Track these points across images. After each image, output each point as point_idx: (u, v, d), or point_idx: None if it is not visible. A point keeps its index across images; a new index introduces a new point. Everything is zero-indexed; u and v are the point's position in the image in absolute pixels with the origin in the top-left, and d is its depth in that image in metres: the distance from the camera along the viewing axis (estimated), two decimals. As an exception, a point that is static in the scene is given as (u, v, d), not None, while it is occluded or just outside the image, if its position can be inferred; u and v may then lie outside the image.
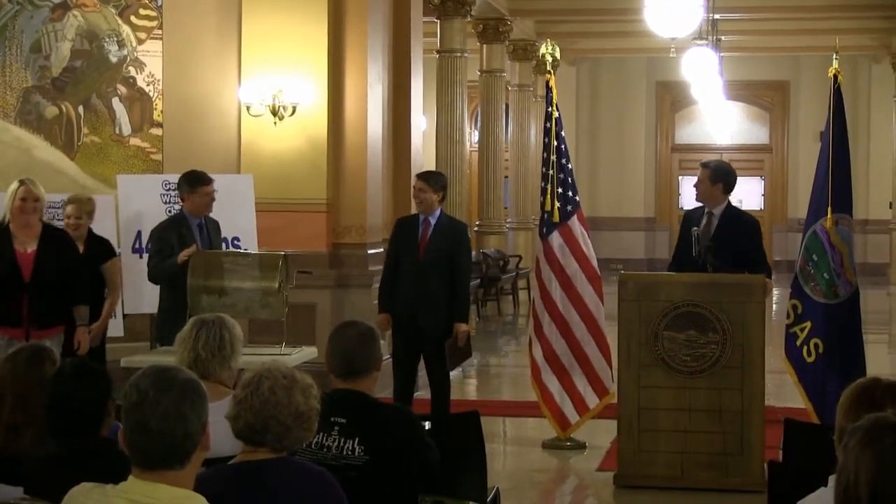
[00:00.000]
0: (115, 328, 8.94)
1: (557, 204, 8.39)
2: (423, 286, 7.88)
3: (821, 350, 7.65)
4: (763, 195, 26.06)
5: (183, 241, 7.64)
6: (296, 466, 3.34)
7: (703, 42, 17.48)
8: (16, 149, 10.15)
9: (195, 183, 7.82)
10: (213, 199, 7.86)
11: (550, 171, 8.44)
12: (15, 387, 3.91)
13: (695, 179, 8.08)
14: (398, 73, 11.37)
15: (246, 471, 3.30)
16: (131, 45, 10.39)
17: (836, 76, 7.86)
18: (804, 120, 25.17)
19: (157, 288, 7.93)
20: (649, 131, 26.23)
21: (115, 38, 10.36)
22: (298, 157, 10.19)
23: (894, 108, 22.53)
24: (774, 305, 15.96)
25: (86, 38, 10.32)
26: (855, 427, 2.71)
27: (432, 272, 7.89)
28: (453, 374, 8.54)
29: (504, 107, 19.82)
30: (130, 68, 10.40)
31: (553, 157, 8.45)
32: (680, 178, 26.24)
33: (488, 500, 5.16)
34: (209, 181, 7.85)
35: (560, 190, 8.44)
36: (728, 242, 7.65)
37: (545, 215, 8.47)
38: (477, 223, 19.59)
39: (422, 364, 8.09)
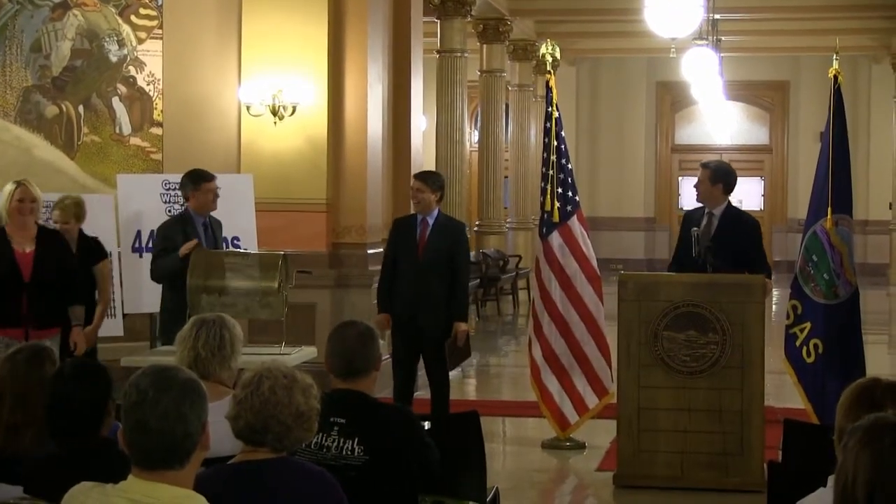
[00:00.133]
0: (115, 328, 8.94)
1: (557, 204, 8.39)
2: (422, 286, 7.88)
3: (820, 350, 7.65)
4: (763, 195, 26.06)
5: (188, 239, 7.66)
6: (296, 466, 3.34)
7: (703, 42, 17.48)
8: (16, 148, 10.15)
9: (198, 180, 7.84)
10: (217, 196, 7.89)
11: (550, 171, 8.44)
12: (15, 387, 3.91)
13: (695, 180, 8.09)
14: (398, 73, 11.37)
15: (246, 471, 3.30)
16: (131, 45, 10.39)
17: (836, 76, 7.86)
18: (804, 120, 25.17)
19: (157, 288, 7.93)
20: (649, 131, 26.23)
21: (116, 38, 10.36)
22: (298, 157, 10.20)
23: (894, 109, 22.52)
24: (774, 306, 15.96)
25: (86, 37, 10.32)
26: (854, 427, 2.71)
27: (431, 272, 7.89)
28: (453, 373, 8.55)
29: (504, 107, 19.83)
30: (130, 68, 10.40)
31: (553, 157, 8.45)
32: (680, 178, 26.24)
33: (488, 500, 5.16)
34: (212, 178, 7.88)
35: (560, 190, 8.44)
36: (728, 243, 7.65)
37: (545, 215, 8.47)
38: (477, 223, 19.59)
39: (421, 364, 8.09)
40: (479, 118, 20.40)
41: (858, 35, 21.25)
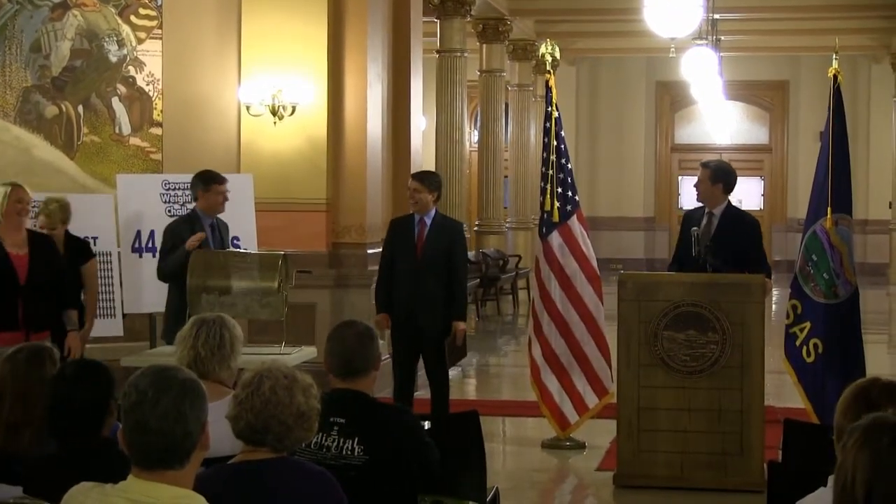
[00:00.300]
0: (115, 328, 8.94)
1: (557, 204, 8.39)
2: (421, 286, 7.88)
3: (820, 350, 7.65)
4: (763, 195, 26.06)
5: None
6: (296, 466, 3.34)
7: (703, 42, 17.48)
8: (15, 148, 10.15)
9: (209, 181, 7.88)
10: (226, 199, 7.93)
11: (550, 171, 8.44)
12: (15, 386, 3.91)
13: (695, 179, 8.09)
14: (398, 73, 11.37)
15: (246, 470, 3.30)
16: (131, 45, 10.39)
17: (835, 76, 7.86)
18: (804, 120, 25.17)
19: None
20: (649, 131, 26.23)
21: (115, 38, 10.36)
22: (298, 157, 10.20)
23: (894, 108, 22.52)
24: (774, 305, 15.96)
25: (85, 37, 10.32)
26: (853, 427, 2.72)
27: (430, 272, 7.89)
28: (453, 373, 8.55)
29: (504, 107, 19.82)
30: (130, 68, 10.40)
31: (553, 157, 8.45)
32: (679, 178, 26.24)
33: (488, 499, 5.16)
34: (223, 180, 7.92)
35: (560, 190, 8.44)
36: (728, 242, 7.65)
37: (545, 215, 8.47)
38: (476, 223, 19.59)
39: (421, 364, 8.10)
40: (478, 118, 20.40)
41: (858, 35, 21.25)
